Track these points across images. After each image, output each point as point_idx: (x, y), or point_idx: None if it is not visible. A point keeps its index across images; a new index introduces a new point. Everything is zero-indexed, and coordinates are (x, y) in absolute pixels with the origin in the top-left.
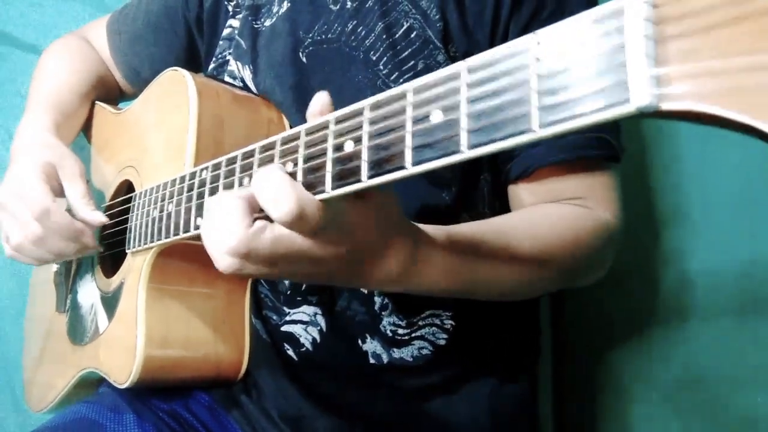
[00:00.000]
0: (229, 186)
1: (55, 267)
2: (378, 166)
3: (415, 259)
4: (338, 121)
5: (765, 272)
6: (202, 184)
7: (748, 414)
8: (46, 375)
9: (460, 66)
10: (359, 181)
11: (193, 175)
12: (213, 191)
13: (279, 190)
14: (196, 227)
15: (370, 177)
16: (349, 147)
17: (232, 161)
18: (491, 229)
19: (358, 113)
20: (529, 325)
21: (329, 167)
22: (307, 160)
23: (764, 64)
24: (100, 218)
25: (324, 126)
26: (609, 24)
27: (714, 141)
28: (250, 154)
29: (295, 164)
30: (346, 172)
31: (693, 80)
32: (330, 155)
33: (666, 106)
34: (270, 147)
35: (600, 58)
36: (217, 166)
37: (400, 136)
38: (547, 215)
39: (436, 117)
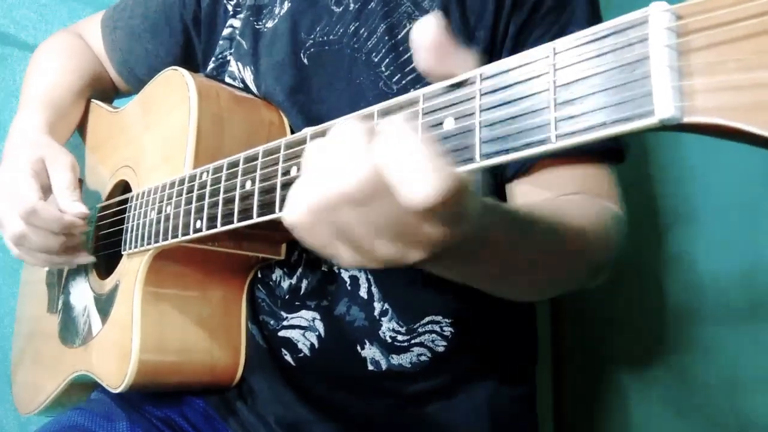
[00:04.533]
0: (230, 189)
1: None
2: None
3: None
4: None
5: (765, 274)
6: (203, 186)
7: (749, 414)
8: (35, 377)
9: (473, 73)
10: None
11: (193, 178)
12: (213, 194)
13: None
14: (196, 230)
15: None
16: None
17: (234, 165)
18: (539, 211)
19: (367, 119)
20: (527, 328)
21: None
22: None
23: None
24: (80, 209)
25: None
26: (632, 34)
27: (717, 142)
28: (253, 158)
29: (299, 169)
30: None
31: (717, 94)
32: None
33: (689, 119)
34: (274, 151)
35: (622, 68)
36: (218, 170)
37: None
38: (572, 201)
39: (449, 124)
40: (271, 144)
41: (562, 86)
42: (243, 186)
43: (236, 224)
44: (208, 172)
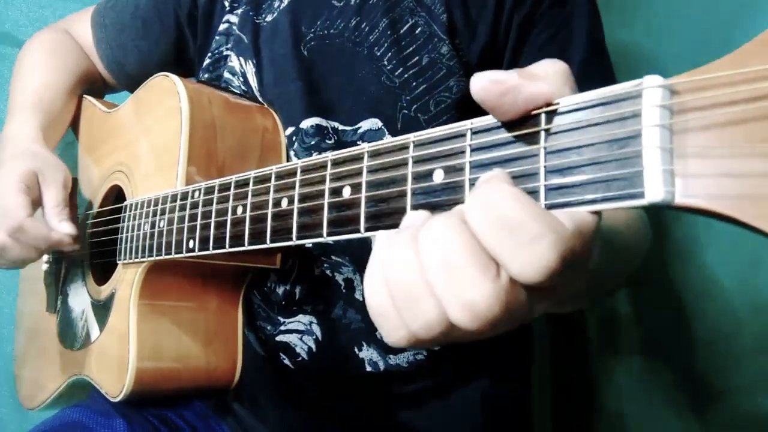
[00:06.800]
0: (222, 213)
1: (44, 266)
2: (377, 219)
3: None
4: (336, 164)
5: (765, 273)
6: (195, 206)
7: (749, 415)
8: (36, 373)
9: (464, 126)
10: (357, 231)
11: (185, 195)
12: (206, 215)
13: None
14: (189, 249)
15: (367, 229)
16: (346, 193)
17: (225, 188)
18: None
19: (357, 158)
20: (521, 327)
21: (326, 211)
22: (302, 199)
23: None
24: (67, 230)
25: (322, 165)
26: (626, 107)
27: None
28: (244, 183)
29: (291, 202)
30: (344, 220)
31: (709, 179)
32: (327, 199)
33: (678, 202)
34: (265, 179)
35: (614, 143)
36: (210, 190)
37: (401, 191)
38: None
39: (438, 177)
40: (262, 171)
41: (553, 153)
42: (234, 212)
43: (228, 249)
44: (200, 191)
